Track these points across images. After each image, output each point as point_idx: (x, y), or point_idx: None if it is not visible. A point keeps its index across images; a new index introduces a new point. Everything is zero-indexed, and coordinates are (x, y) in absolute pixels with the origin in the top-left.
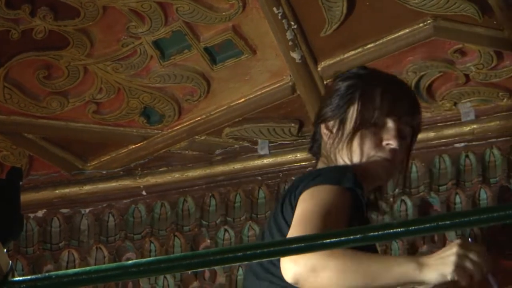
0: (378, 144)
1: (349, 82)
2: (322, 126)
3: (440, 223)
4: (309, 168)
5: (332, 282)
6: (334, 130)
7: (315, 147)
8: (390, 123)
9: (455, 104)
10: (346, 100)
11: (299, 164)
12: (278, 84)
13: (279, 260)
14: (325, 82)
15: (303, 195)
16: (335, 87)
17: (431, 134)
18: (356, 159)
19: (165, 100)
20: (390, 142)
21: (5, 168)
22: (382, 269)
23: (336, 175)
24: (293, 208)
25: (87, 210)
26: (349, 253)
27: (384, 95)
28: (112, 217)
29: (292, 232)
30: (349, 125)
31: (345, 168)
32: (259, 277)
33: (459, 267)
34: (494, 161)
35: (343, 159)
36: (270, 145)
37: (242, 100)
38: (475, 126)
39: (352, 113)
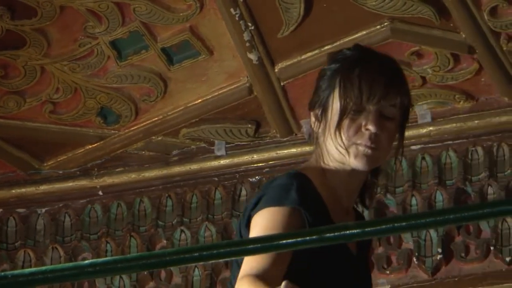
0: (358, 131)
1: (332, 65)
2: (311, 114)
3: (396, 224)
4: (266, 169)
5: None
6: (320, 119)
7: (311, 138)
8: (369, 107)
9: (411, 106)
10: (327, 86)
11: (255, 165)
12: (235, 85)
13: None
14: (282, 84)
15: (252, 222)
16: (322, 71)
17: None
18: (341, 149)
19: (122, 101)
20: (369, 127)
21: None
22: None
23: (278, 195)
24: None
25: (43, 210)
26: None
27: (361, 78)
28: (68, 217)
29: (244, 265)
30: (330, 113)
31: (288, 185)
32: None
33: None
34: (450, 163)
35: (329, 149)
36: (227, 146)
37: (199, 101)
38: (431, 128)
39: (333, 100)
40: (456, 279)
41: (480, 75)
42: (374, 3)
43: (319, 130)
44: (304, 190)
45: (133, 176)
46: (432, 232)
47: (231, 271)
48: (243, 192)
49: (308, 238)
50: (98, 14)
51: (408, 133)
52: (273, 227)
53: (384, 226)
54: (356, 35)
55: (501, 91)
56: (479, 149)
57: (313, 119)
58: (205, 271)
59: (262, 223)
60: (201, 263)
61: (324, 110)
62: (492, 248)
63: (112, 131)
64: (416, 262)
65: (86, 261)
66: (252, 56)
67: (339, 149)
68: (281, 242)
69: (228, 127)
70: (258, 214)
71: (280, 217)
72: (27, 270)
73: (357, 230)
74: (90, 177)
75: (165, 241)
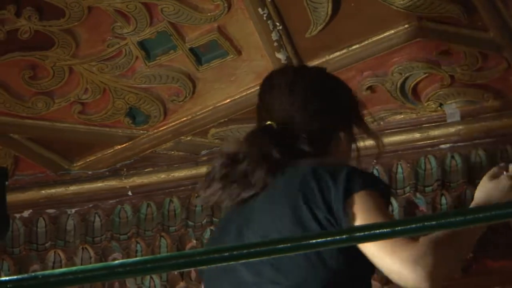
0: None
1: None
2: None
3: (426, 223)
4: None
5: (451, 266)
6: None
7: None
8: None
9: (440, 105)
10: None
11: None
12: None
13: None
14: None
15: (355, 206)
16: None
17: (417, 135)
18: None
19: (151, 101)
20: None
21: None
22: (473, 235)
23: (371, 179)
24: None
25: (73, 210)
26: (442, 237)
27: None
28: (98, 218)
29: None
30: None
31: (362, 170)
32: (260, 275)
33: None
34: (480, 162)
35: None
36: None
37: (228, 100)
38: (460, 127)
39: None
40: (486, 276)
41: (508, 74)
42: (402, 2)
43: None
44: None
45: (162, 176)
46: None
47: (255, 272)
48: None
49: (338, 237)
50: (126, 14)
51: (437, 132)
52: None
53: (414, 225)
54: (384, 34)
55: None
56: (509, 148)
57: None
58: None
59: (374, 206)
60: (231, 262)
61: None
62: None
63: (141, 132)
64: None
65: (116, 261)
66: (280, 56)
67: None
68: (311, 241)
69: None
70: (361, 198)
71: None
72: (57, 271)
73: (387, 230)
74: (120, 177)
75: (194, 241)
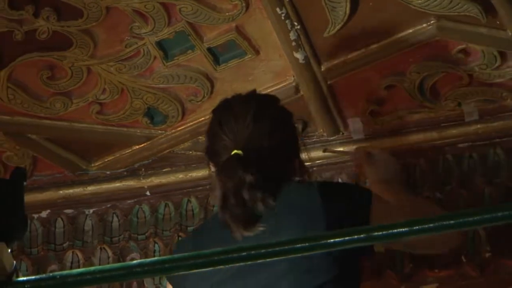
0: None
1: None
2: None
3: (444, 222)
4: (313, 168)
5: None
6: None
7: None
8: None
9: (458, 104)
10: None
11: None
12: (282, 85)
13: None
14: (328, 82)
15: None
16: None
17: (435, 134)
18: None
19: (169, 101)
20: None
21: (9, 169)
22: None
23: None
24: None
25: (91, 210)
26: None
27: None
28: (116, 218)
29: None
30: None
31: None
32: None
33: None
34: (498, 161)
35: None
36: None
37: None
38: (479, 126)
39: None
40: (505, 276)
41: None
42: (420, 1)
43: None
44: None
45: (180, 176)
46: (481, 229)
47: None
48: None
49: (356, 237)
50: (144, 14)
51: (455, 131)
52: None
53: (432, 225)
54: (403, 34)
55: None
56: None
57: None
58: None
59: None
60: (249, 262)
61: None
62: None
63: (159, 132)
64: (464, 260)
65: (134, 261)
66: (299, 55)
67: None
68: (329, 241)
69: None
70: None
71: None
72: (75, 271)
73: (405, 229)
74: (138, 177)
75: None
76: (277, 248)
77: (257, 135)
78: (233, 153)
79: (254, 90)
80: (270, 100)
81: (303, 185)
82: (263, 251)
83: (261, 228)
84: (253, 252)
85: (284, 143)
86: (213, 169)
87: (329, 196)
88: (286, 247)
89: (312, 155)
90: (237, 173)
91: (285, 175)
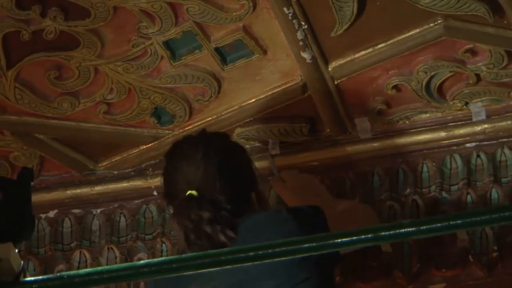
0: None
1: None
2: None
3: (451, 222)
4: (320, 168)
5: None
6: None
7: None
8: None
9: (466, 104)
10: None
11: (310, 164)
12: (289, 84)
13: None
14: (335, 82)
15: None
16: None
17: (442, 134)
18: None
19: (176, 101)
20: None
21: (16, 169)
22: None
23: None
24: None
25: (99, 210)
26: None
27: None
28: (123, 218)
29: None
30: None
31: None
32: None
33: None
34: (505, 161)
35: None
36: (281, 145)
37: (253, 100)
38: (486, 125)
39: None
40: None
41: None
42: (427, 1)
43: None
44: None
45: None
46: (488, 229)
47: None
48: None
49: (363, 237)
50: (152, 14)
51: (462, 131)
52: None
53: (439, 224)
54: (410, 33)
55: None
56: None
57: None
58: None
59: None
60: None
61: None
62: None
63: (166, 131)
64: (472, 260)
65: (142, 262)
66: (306, 55)
67: None
68: (336, 241)
69: (282, 126)
70: None
71: None
72: (82, 271)
73: (412, 229)
74: (145, 177)
75: None
76: (284, 248)
77: (209, 174)
78: (187, 193)
79: (204, 130)
80: (219, 138)
81: (270, 212)
82: (270, 251)
83: None
84: (260, 252)
85: (236, 179)
86: (172, 211)
87: (298, 215)
88: (293, 247)
89: (319, 155)
90: (192, 212)
91: (242, 208)
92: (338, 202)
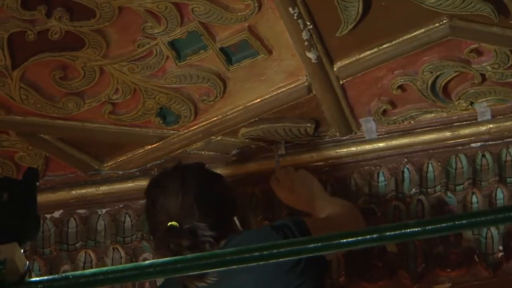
0: None
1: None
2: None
3: (456, 222)
4: (325, 168)
5: None
6: None
7: None
8: None
9: (471, 103)
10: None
11: (315, 164)
12: (294, 84)
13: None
14: (341, 82)
15: None
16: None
17: (448, 134)
18: None
19: (181, 101)
20: None
21: (22, 169)
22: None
23: None
24: None
25: (104, 210)
26: None
27: None
28: (128, 218)
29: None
30: None
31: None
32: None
33: None
34: (510, 161)
35: None
36: (286, 145)
37: (258, 100)
38: (491, 125)
39: None
40: None
41: None
42: (432, 0)
43: None
44: None
45: None
46: (493, 229)
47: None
48: None
49: (368, 237)
50: (157, 14)
51: (467, 130)
52: None
53: (444, 224)
54: (415, 33)
55: None
56: None
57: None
58: None
59: None
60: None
61: None
62: None
63: (172, 131)
64: (477, 260)
65: (147, 262)
66: (311, 55)
67: None
68: (341, 241)
69: (287, 126)
70: None
71: None
72: (88, 271)
73: (418, 229)
74: (150, 177)
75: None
76: (289, 248)
77: (187, 204)
78: (168, 225)
79: (179, 162)
80: (195, 168)
81: (253, 230)
82: (275, 251)
83: (213, 279)
84: (265, 252)
85: (215, 205)
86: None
87: (280, 229)
88: (298, 247)
89: (324, 155)
90: (172, 242)
91: (225, 233)
92: (332, 200)
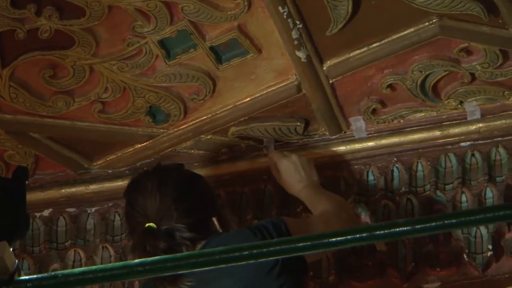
0: None
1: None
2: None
3: (446, 221)
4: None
5: None
6: None
7: None
8: None
9: (461, 103)
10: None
11: None
12: (284, 83)
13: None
14: (330, 81)
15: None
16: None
17: (437, 133)
18: None
19: (171, 100)
20: None
21: (11, 168)
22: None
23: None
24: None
25: (93, 209)
26: None
27: None
28: (118, 216)
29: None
30: None
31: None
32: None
33: None
34: (500, 160)
35: None
36: (275, 144)
37: (248, 99)
38: (481, 125)
39: None
40: (506, 275)
41: None
42: (422, 0)
43: None
44: None
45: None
46: (483, 228)
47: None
48: None
49: (358, 235)
50: (147, 13)
51: (457, 130)
52: None
53: (434, 223)
54: (405, 32)
55: None
56: None
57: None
58: None
59: None
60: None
61: None
62: None
63: (161, 130)
64: (466, 259)
65: (136, 260)
66: (301, 54)
67: None
68: (331, 240)
69: (277, 125)
70: None
71: None
72: (77, 270)
73: (407, 228)
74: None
75: None
76: (278, 247)
77: (165, 205)
78: (146, 226)
79: (159, 163)
80: (172, 169)
81: (233, 231)
82: (264, 250)
83: (188, 283)
84: (254, 251)
85: (194, 206)
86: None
87: (259, 231)
88: (288, 246)
89: (314, 154)
90: (148, 244)
91: (204, 234)
92: (320, 195)
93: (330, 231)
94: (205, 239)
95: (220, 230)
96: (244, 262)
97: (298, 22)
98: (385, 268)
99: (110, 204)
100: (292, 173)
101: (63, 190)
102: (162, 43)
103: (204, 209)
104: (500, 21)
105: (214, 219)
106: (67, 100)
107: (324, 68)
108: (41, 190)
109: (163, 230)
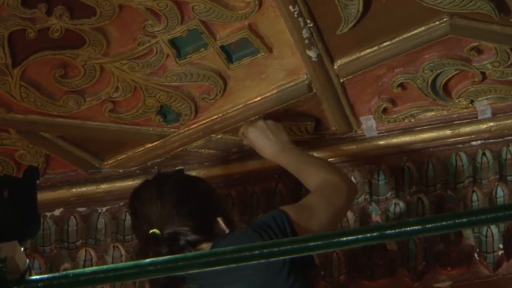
0: None
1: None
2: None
3: (457, 220)
4: None
5: None
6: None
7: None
8: None
9: (471, 102)
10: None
11: None
12: (295, 82)
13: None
14: (341, 80)
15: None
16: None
17: (448, 132)
18: None
19: (182, 99)
20: None
21: (22, 167)
22: None
23: None
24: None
25: (104, 208)
26: None
27: None
28: (129, 216)
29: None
30: None
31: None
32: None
33: None
34: (511, 159)
35: None
36: None
37: (259, 98)
38: (492, 123)
39: None
40: None
41: None
42: None
43: None
44: None
45: (193, 174)
46: (493, 228)
47: None
48: (304, 189)
49: (369, 235)
50: (157, 12)
51: (468, 129)
52: None
53: (445, 223)
54: (415, 31)
55: None
56: None
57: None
58: None
59: None
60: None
61: None
62: None
63: (172, 130)
64: (477, 258)
65: (147, 260)
66: (311, 53)
67: None
68: (342, 239)
69: (287, 125)
70: None
71: None
72: (88, 269)
73: (418, 227)
74: (150, 175)
75: None
76: (289, 247)
77: (166, 211)
78: (149, 232)
79: (159, 171)
80: (171, 175)
81: (237, 233)
82: (275, 249)
83: None
84: (265, 250)
85: (196, 209)
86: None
87: (263, 230)
88: (299, 246)
89: (325, 153)
90: (151, 250)
91: (209, 235)
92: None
93: (331, 205)
94: (211, 241)
95: (227, 231)
96: (254, 262)
97: (308, 21)
98: (396, 267)
99: (121, 204)
100: (261, 139)
101: (74, 190)
102: (172, 43)
103: (206, 210)
104: (511, 19)
105: (220, 220)
106: (78, 99)
107: (335, 67)
108: (52, 190)
109: (166, 235)
